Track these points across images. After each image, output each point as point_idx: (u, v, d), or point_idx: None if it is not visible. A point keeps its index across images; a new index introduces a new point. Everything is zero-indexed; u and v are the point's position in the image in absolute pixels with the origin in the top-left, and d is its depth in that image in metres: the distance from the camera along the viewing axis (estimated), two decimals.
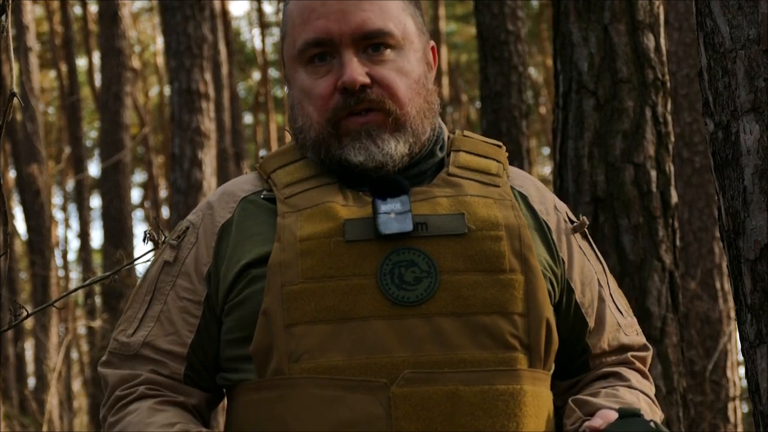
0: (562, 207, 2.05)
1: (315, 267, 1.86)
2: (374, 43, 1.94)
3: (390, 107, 1.92)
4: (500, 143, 2.05)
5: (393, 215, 1.87)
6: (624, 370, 2.01)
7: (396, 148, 1.92)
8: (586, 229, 2.06)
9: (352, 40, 1.93)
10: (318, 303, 1.85)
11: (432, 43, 2.04)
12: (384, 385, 1.80)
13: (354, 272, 1.86)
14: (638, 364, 2.03)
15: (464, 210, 1.89)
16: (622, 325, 2.03)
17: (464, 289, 1.85)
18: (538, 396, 1.85)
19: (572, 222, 2.03)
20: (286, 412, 1.84)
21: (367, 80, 1.91)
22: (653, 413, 1.97)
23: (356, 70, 1.91)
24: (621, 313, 2.04)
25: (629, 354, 2.03)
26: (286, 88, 2.12)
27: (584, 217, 2.05)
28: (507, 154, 2.05)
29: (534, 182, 2.04)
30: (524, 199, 1.99)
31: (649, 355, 2.07)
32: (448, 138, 2.03)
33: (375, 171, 1.92)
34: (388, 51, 1.94)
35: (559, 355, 1.97)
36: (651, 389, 2.04)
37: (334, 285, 1.85)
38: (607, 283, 2.04)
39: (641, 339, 2.07)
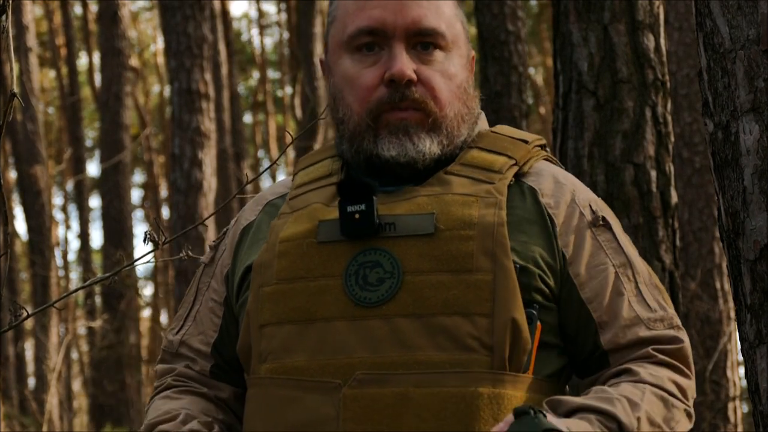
0: (584, 200, 1.98)
1: (288, 268, 1.88)
2: (425, 41, 1.94)
3: (431, 108, 1.92)
4: (529, 138, 2.01)
5: (357, 216, 1.87)
6: (637, 365, 1.90)
7: (430, 147, 1.92)
8: (612, 222, 1.99)
9: (406, 34, 1.92)
10: (287, 304, 1.86)
11: (473, 53, 2.04)
12: (338, 386, 1.81)
13: (322, 273, 1.87)
14: (661, 357, 1.91)
15: (439, 209, 1.88)
16: (644, 318, 1.92)
17: (426, 289, 1.84)
18: (498, 399, 1.81)
19: (593, 214, 1.97)
20: (253, 412, 1.88)
21: (414, 76, 1.91)
22: (668, 408, 1.87)
23: (406, 64, 1.91)
24: (648, 306, 1.94)
25: (650, 348, 1.91)
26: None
27: (597, 211, 1.98)
28: (537, 148, 2.00)
29: (555, 176, 1.99)
30: (533, 193, 1.95)
31: (681, 347, 1.94)
32: (477, 134, 2.01)
33: (406, 167, 1.92)
34: (437, 51, 1.94)
35: (571, 352, 1.94)
36: (675, 380, 1.90)
37: (303, 286, 1.86)
38: (633, 277, 1.96)
39: (671, 332, 1.94)
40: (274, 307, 1.87)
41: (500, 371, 1.82)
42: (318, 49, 14.37)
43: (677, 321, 1.98)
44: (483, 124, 2.04)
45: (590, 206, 1.98)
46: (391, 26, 1.92)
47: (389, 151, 1.91)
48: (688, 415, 1.92)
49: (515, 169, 1.96)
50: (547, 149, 2.07)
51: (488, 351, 1.82)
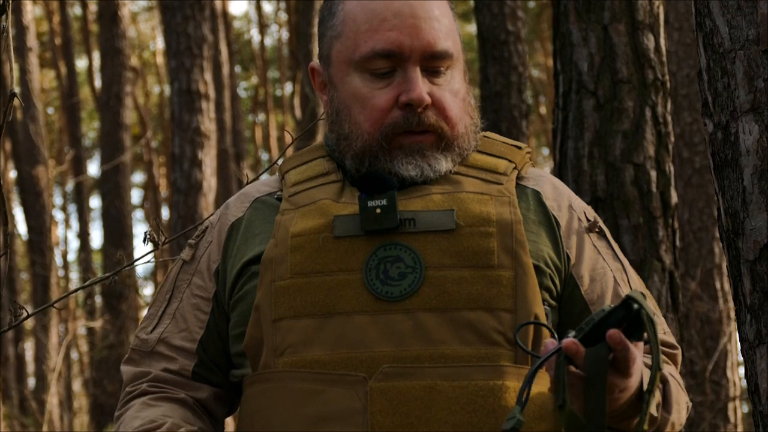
0: (579, 207, 2.04)
1: (303, 262, 1.88)
2: (437, 63, 1.94)
3: (444, 130, 1.94)
4: (521, 145, 2.04)
5: (379, 211, 1.87)
6: None
7: (445, 165, 1.94)
8: (605, 230, 2.05)
9: (422, 56, 1.92)
10: (304, 298, 1.87)
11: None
12: (362, 380, 1.81)
13: (340, 267, 1.87)
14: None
15: (456, 206, 1.90)
16: None
17: (449, 284, 1.85)
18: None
19: (589, 221, 2.02)
20: (269, 406, 1.87)
21: (429, 100, 1.92)
22: (678, 391, 1.93)
23: (423, 89, 1.92)
24: None
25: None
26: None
27: (596, 216, 2.04)
28: (528, 155, 2.04)
29: (553, 182, 2.04)
30: (537, 195, 1.98)
31: (677, 354, 2.02)
32: None
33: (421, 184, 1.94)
34: (446, 71, 1.95)
35: None
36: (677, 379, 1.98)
37: (320, 280, 1.87)
38: (627, 282, 2.01)
39: (667, 338, 2.02)
40: (290, 301, 1.87)
41: (523, 366, 1.85)
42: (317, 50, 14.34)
43: (666, 327, 2.04)
44: None
45: (585, 213, 2.04)
46: (407, 49, 1.92)
47: (408, 172, 1.92)
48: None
49: (516, 172, 1.98)
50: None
51: (512, 346, 1.84)
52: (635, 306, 1.68)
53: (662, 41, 3.98)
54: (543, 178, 2.03)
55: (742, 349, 2.05)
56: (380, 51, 1.92)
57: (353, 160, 1.95)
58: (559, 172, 3.99)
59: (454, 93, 1.96)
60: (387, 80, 1.93)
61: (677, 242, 3.93)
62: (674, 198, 3.92)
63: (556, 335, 1.80)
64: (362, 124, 1.94)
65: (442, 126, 1.93)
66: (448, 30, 1.96)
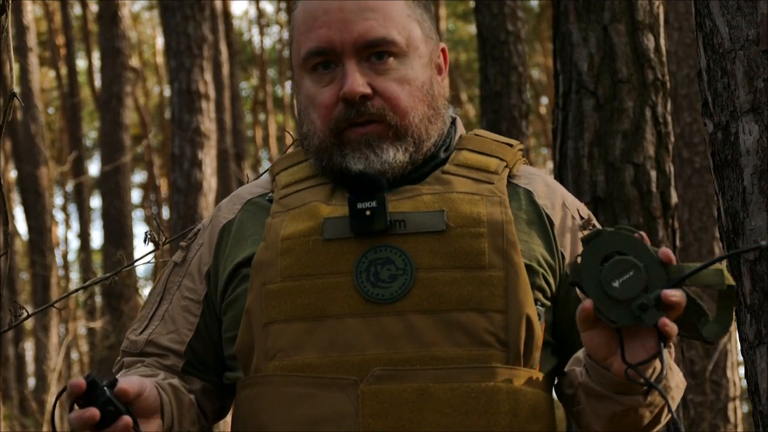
0: (573, 205, 2.02)
1: (293, 266, 1.88)
2: (377, 52, 1.92)
3: (390, 119, 1.92)
4: (513, 142, 2.03)
5: (368, 213, 1.87)
6: None
7: (395, 156, 1.92)
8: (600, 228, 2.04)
9: (354, 48, 1.92)
10: (294, 301, 1.86)
11: (442, 45, 2.03)
12: (354, 383, 1.81)
13: (331, 270, 1.87)
14: None
15: (447, 207, 1.89)
16: None
17: (440, 286, 1.84)
18: (516, 394, 1.83)
19: (582, 219, 2.01)
20: (261, 410, 1.87)
21: (368, 90, 1.91)
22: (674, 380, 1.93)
23: (357, 81, 1.90)
24: None
25: None
26: (287, 88, 2.12)
27: (590, 214, 2.03)
28: (520, 152, 2.03)
29: (545, 180, 2.03)
30: (528, 194, 1.97)
31: (670, 350, 2.00)
32: (459, 138, 2.02)
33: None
34: (391, 59, 1.93)
35: (566, 351, 1.95)
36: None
37: (311, 283, 1.86)
38: None
39: None
40: (281, 304, 1.87)
41: (516, 367, 1.84)
42: None
43: None
44: (461, 128, 2.05)
45: (578, 211, 2.03)
46: (338, 43, 1.92)
47: (356, 165, 1.91)
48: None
49: (507, 170, 1.98)
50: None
51: (504, 347, 1.84)
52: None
53: (662, 41, 3.99)
54: (535, 176, 2.02)
55: (742, 349, 2.05)
56: (313, 50, 1.93)
57: (315, 158, 1.96)
58: (559, 172, 3.99)
59: (406, 81, 1.93)
60: (330, 76, 1.94)
61: (677, 242, 3.93)
62: (674, 198, 3.93)
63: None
64: (315, 122, 1.94)
65: (387, 114, 1.91)
66: (390, 18, 1.94)
